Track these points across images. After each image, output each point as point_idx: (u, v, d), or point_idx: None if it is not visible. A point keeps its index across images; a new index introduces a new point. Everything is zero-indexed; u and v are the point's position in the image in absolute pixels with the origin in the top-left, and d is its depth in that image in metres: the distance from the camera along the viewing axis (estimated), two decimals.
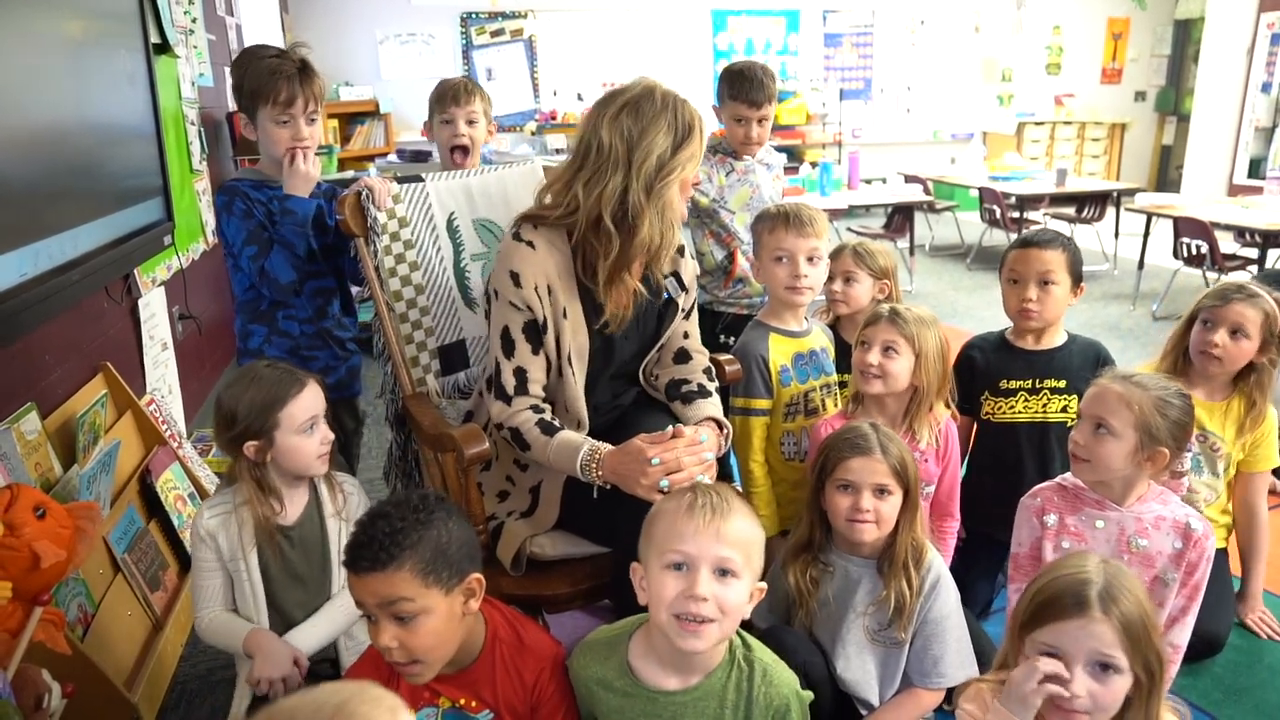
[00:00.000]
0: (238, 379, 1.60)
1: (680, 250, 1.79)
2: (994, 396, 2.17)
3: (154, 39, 2.99)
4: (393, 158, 5.17)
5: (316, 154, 2.04)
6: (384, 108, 7.25)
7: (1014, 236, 6.38)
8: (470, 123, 2.39)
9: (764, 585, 1.28)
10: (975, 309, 5.50)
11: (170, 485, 2.50)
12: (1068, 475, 1.73)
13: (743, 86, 2.54)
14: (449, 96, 2.39)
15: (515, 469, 1.75)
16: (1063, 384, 2.11)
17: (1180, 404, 1.61)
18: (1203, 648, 2.03)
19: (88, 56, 2.38)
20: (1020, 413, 2.14)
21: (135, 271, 2.83)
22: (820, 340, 2.16)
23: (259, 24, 6.10)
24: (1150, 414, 1.57)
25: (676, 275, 1.78)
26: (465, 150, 2.40)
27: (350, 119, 7.23)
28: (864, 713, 1.64)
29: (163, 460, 2.53)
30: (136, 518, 2.31)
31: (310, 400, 1.60)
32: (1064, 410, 2.11)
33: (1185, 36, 9.96)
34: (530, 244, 1.61)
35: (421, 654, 1.25)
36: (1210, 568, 1.64)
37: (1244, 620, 2.19)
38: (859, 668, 1.63)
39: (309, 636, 1.62)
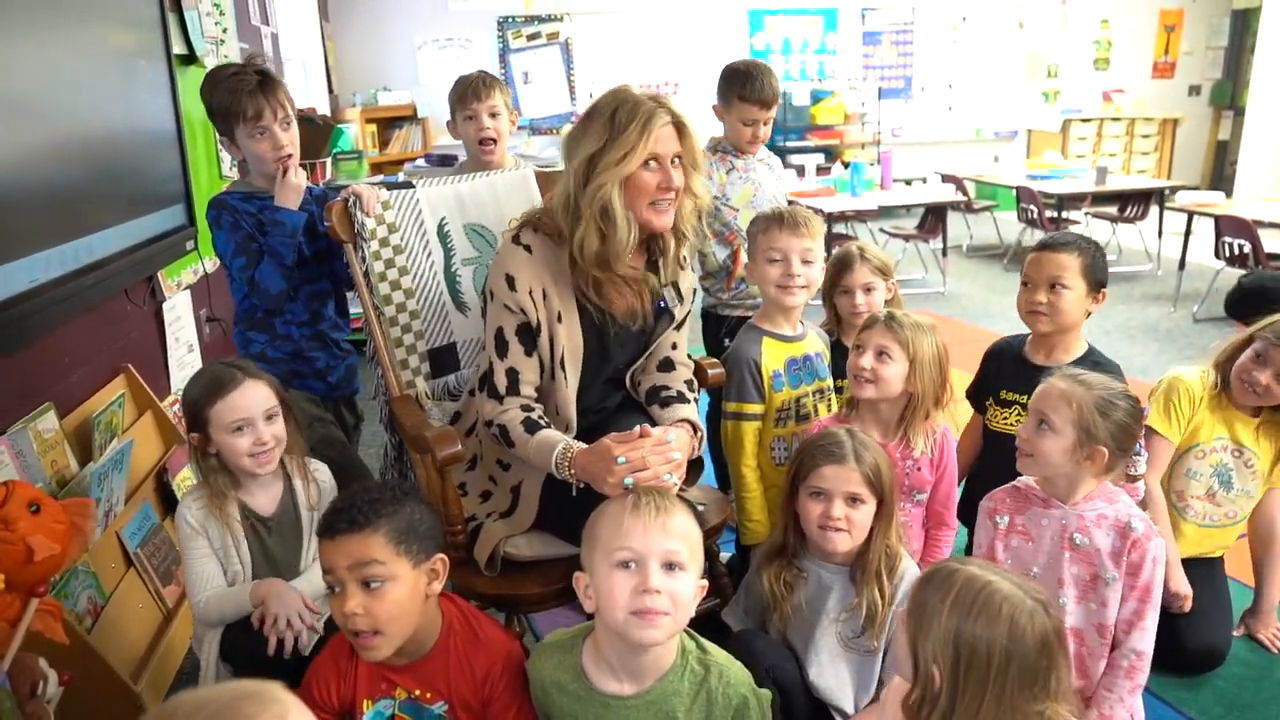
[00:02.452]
0: (196, 372, 1.70)
1: (682, 262, 1.81)
2: (996, 405, 2.15)
3: (180, 49, 3.09)
4: (420, 162, 5.26)
5: (351, 158, 2.10)
6: (422, 112, 7.36)
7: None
8: (493, 115, 2.46)
9: (704, 583, 1.30)
10: (1009, 311, 5.36)
11: (188, 483, 2.58)
12: (1022, 478, 1.74)
13: (753, 88, 2.55)
14: (469, 93, 2.46)
15: (498, 469, 1.78)
16: None
17: (1126, 406, 1.59)
18: (1202, 659, 1.98)
19: (106, 66, 2.46)
20: (1013, 426, 2.09)
21: (159, 275, 2.92)
22: (815, 345, 2.14)
23: (297, 31, 6.25)
24: (1089, 413, 1.57)
25: (675, 285, 1.80)
26: (493, 141, 2.46)
27: (388, 123, 7.37)
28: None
29: (180, 459, 2.61)
30: (152, 514, 2.39)
31: (242, 402, 1.63)
32: None
33: (1243, 27, 9.64)
34: (527, 248, 1.65)
35: (383, 623, 1.30)
36: (1161, 570, 1.62)
37: (1255, 635, 2.13)
38: (832, 675, 1.62)
39: (305, 585, 1.67)
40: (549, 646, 1.38)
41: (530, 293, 1.63)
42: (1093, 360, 2.09)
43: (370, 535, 1.29)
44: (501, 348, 1.66)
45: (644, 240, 1.72)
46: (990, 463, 2.12)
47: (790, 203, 2.58)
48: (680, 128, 1.63)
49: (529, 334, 1.66)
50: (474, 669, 1.38)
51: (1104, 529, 1.63)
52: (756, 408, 2.03)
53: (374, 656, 1.32)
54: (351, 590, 1.28)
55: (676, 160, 1.63)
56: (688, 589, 1.25)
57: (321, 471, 1.80)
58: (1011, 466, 2.01)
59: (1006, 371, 2.14)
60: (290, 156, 2.00)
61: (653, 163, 1.60)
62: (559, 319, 1.66)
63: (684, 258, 1.81)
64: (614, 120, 1.58)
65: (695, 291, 1.86)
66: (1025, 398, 2.04)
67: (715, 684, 1.30)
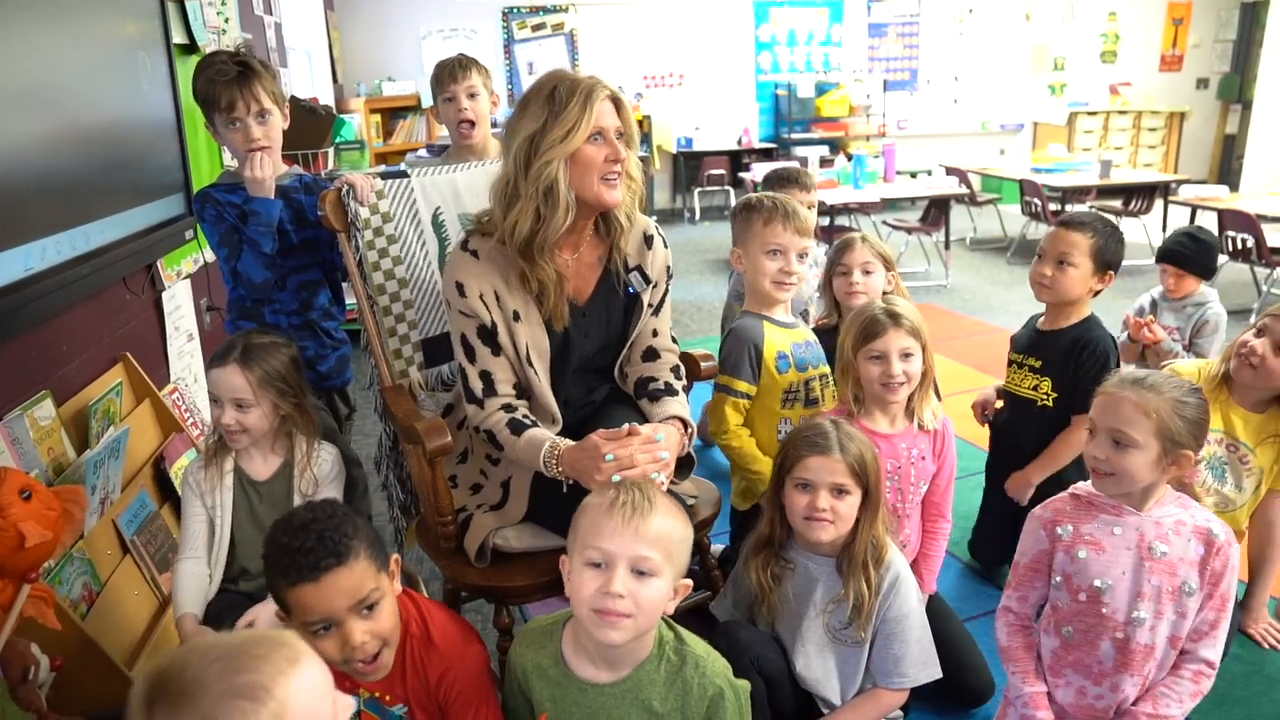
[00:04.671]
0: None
1: (648, 241, 1.77)
2: (1008, 367, 2.35)
3: (181, 39, 3.10)
4: (422, 153, 5.24)
5: (348, 148, 2.07)
6: (426, 102, 7.33)
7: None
8: (471, 96, 2.48)
9: (688, 582, 1.30)
10: (1011, 304, 5.38)
11: None
12: (1081, 484, 1.61)
13: (789, 176, 2.88)
14: (446, 75, 2.49)
15: (488, 463, 1.79)
16: (1039, 364, 2.23)
17: (1196, 401, 1.50)
18: None
19: (106, 55, 2.47)
20: (1015, 385, 2.30)
21: (159, 264, 2.93)
22: (809, 334, 2.15)
23: (302, 22, 6.25)
24: (1170, 419, 1.45)
25: (640, 269, 1.76)
26: (471, 123, 2.48)
27: (393, 114, 7.37)
28: (825, 711, 1.64)
29: (178, 447, 2.63)
30: (149, 501, 2.40)
31: (218, 381, 1.71)
32: (1034, 389, 2.24)
33: (1252, 20, 9.58)
34: (474, 253, 1.65)
35: (387, 634, 1.31)
36: (1234, 573, 1.52)
37: (1246, 630, 2.13)
38: (819, 666, 1.63)
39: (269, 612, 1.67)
40: (531, 631, 1.40)
41: (481, 297, 1.62)
42: (1083, 327, 2.19)
43: (355, 563, 1.26)
44: (469, 353, 1.67)
45: (594, 223, 1.71)
46: (1002, 419, 2.37)
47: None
48: (617, 102, 1.62)
49: (489, 335, 1.65)
50: (427, 674, 1.37)
51: (1184, 536, 1.51)
52: (746, 386, 2.03)
53: (381, 675, 1.33)
54: (354, 624, 1.26)
55: (618, 134, 1.61)
56: (655, 594, 1.24)
57: (326, 456, 1.81)
58: (1010, 416, 2.28)
59: (1020, 337, 2.33)
60: (264, 149, 1.98)
61: (597, 137, 1.58)
62: (516, 317, 1.65)
63: (650, 236, 1.78)
64: (553, 98, 1.57)
65: (669, 271, 1.82)
66: (1020, 357, 2.27)
67: (690, 674, 1.31)
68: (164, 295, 3.00)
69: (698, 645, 1.34)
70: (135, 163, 2.62)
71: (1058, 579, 1.58)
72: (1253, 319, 4.67)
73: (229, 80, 1.94)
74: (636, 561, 1.23)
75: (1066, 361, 2.15)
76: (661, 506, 1.28)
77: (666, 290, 1.82)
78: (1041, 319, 2.27)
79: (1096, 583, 1.53)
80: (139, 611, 2.18)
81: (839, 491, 1.58)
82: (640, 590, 1.22)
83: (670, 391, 1.76)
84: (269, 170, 1.98)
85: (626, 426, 1.52)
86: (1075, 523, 1.57)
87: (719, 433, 2.06)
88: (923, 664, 1.62)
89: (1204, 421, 1.51)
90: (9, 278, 1.87)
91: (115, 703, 1.87)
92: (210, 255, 3.43)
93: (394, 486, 2.07)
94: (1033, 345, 2.25)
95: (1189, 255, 2.94)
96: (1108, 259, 2.13)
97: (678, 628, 1.36)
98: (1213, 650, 1.53)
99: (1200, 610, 1.52)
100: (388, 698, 1.37)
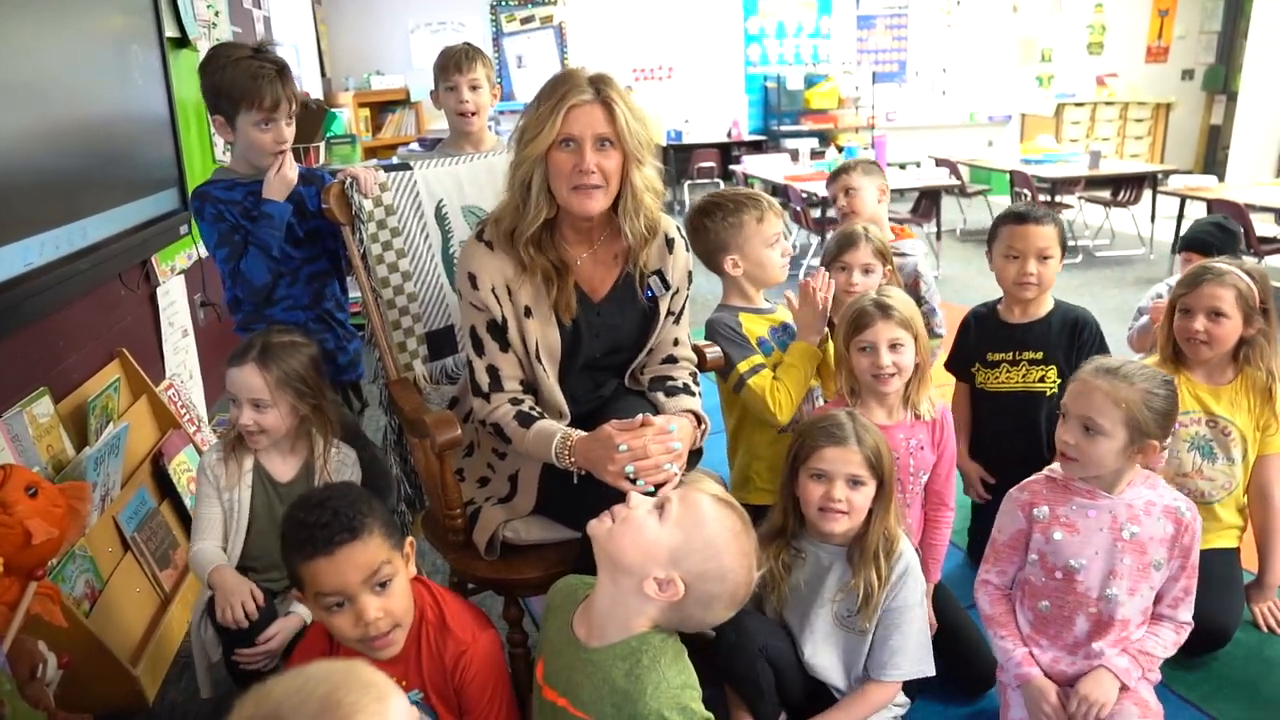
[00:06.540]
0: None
1: (670, 244, 1.73)
2: (983, 368, 2.30)
3: (172, 33, 3.07)
4: (414, 146, 5.23)
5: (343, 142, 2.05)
6: (415, 96, 7.29)
7: None
8: (474, 88, 2.51)
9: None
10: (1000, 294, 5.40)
11: (184, 468, 2.58)
12: (1056, 467, 1.69)
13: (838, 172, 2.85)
14: (452, 64, 2.51)
15: (494, 457, 1.78)
16: (1040, 355, 2.23)
17: (1165, 393, 1.58)
18: (1211, 639, 1.97)
19: (99, 50, 2.45)
20: (1004, 383, 2.27)
21: (153, 260, 2.91)
22: (787, 315, 2.14)
23: (290, 15, 6.20)
24: (1138, 409, 1.54)
25: (660, 273, 1.72)
26: (473, 114, 2.52)
27: (381, 108, 7.31)
28: (836, 697, 1.65)
29: (176, 444, 2.61)
30: (148, 498, 2.39)
31: (235, 379, 1.69)
32: (1042, 380, 2.24)
33: (1237, 11, 9.64)
34: (489, 244, 1.62)
35: (400, 615, 1.32)
36: (1199, 544, 1.65)
37: (1251, 604, 2.13)
38: (826, 654, 1.64)
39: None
40: (577, 581, 1.41)
41: (493, 290, 1.60)
42: (1064, 310, 2.24)
43: (369, 539, 1.28)
44: (478, 346, 1.65)
45: (610, 220, 1.66)
46: (991, 423, 2.32)
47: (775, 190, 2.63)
48: (609, 108, 1.52)
49: (499, 330, 1.63)
50: (443, 659, 1.38)
51: (1154, 516, 1.62)
52: (757, 358, 2.01)
53: (392, 652, 1.33)
54: (368, 599, 1.27)
55: (606, 144, 1.53)
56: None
57: (345, 460, 1.81)
58: (1011, 420, 2.24)
59: (987, 335, 2.30)
60: (287, 150, 1.97)
61: (570, 143, 1.52)
62: (527, 313, 1.63)
63: (672, 239, 1.73)
64: (540, 94, 1.56)
65: (690, 276, 1.80)
66: (1010, 355, 2.26)
67: (633, 689, 1.24)
68: (159, 291, 2.99)
69: (669, 675, 1.24)
70: (130, 157, 2.60)
71: (1033, 557, 1.67)
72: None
73: (273, 79, 1.89)
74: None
75: (1070, 346, 2.19)
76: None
77: (687, 296, 1.79)
78: (1010, 313, 2.26)
79: (1071, 562, 1.63)
80: (141, 609, 2.17)
81: (854, 483, 1.58)
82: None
83: (688, 391, 1.75)
84: (295, 171, 1.97)
85: (640, 417, 1.51)
86: (1051, 505, 1.66)
87: (769, 410, 1.98)
88: (918, 659, 1.63)
89: (1171, 413, 1.60)
90: (8, 273, 1.86)
91: (121, 701, 1.89)
92: (204, 251, 3.41)
93: (399, 480, 2.06)
94: (1018, 340, 2.23)
95: (1218, 244, 2.94)
96: (1066, 243, 2.25)
97: (672, 647, 1.29)
98: (1187, 613, 1.67)
99: (1175, 580, 1.65)
100: (404, 683, 1.37)
